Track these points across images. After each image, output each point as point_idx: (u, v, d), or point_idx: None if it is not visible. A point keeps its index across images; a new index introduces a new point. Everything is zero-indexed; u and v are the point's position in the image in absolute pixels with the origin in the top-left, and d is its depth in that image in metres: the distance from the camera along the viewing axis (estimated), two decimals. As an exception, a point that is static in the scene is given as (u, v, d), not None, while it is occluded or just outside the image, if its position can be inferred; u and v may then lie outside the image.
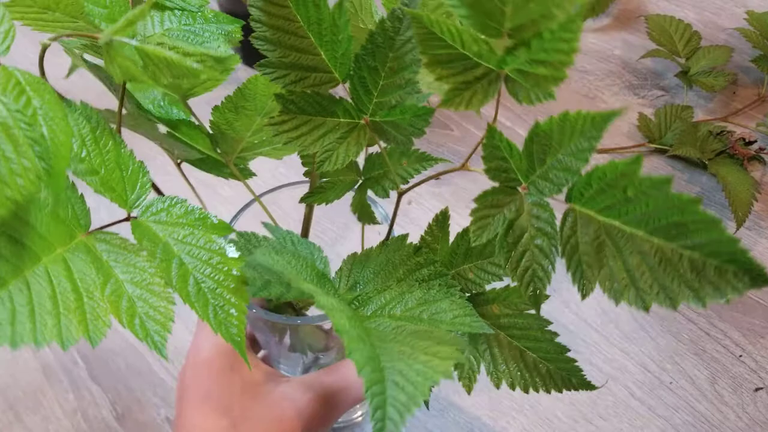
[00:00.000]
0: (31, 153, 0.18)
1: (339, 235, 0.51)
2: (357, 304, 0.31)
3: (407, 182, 0.35)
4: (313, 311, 0.41)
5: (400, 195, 0.33)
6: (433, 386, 0.24)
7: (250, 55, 0.76)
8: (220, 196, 0.63)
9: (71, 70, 0.33)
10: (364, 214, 0.37)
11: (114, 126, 0.27)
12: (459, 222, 0.60)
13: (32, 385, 0.52)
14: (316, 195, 0.36)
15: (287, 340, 0.41)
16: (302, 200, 0.36)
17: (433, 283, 0.32)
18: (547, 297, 0.27)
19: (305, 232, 0.39)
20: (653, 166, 0.68)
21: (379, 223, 0.37)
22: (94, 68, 0.30)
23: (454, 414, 0.50)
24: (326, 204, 0.36)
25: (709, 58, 0.74)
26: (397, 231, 0.34)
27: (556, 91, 0.21)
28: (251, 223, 0.37)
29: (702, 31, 0.76)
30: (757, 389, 0.51)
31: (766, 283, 0.19)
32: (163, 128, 0.32)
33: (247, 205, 0.38)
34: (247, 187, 0.37)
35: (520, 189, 0.25)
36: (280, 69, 0.26)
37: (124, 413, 0.50)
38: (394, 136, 0.26)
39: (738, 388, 0.51)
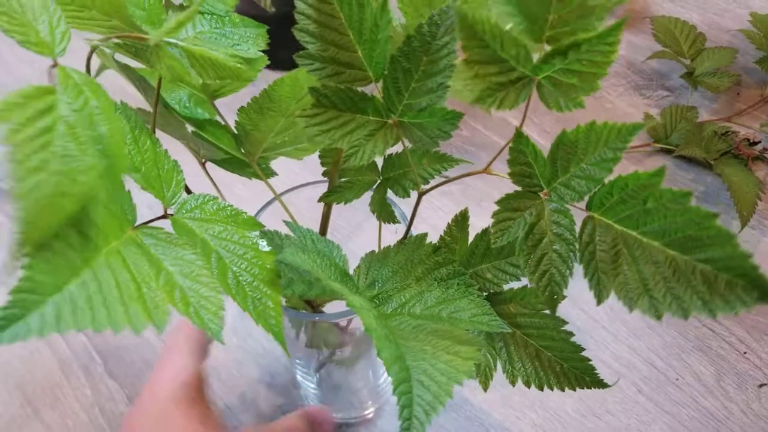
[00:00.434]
0: (93, 151, 0.19)
1: (351, 232, 0.52)
2: (377, 302, 0.32)
3: (427, 182, 0.35)
4: (329, 308, 0.42)
5: (421, 195, 0.33)
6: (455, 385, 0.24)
7: (271, 59, 0.77)
8: (235, 194, 0.63)
9: (99, 71, 0.33)
10: (384, 213, 0.37)
11: (149, 126, 0.28)
12: (470, 220, 0.60)
13: (50, 380, 0.53)
14: (335, 194, 0.36)
15: (303, 336, 0.42)
16: (321, 199, 0.37)
17: (452, 282, 0.32)
18: (564, 298, 0.28)
19: (323, 230, 0.40)
20: (659, 166, 0.69)
21: (398, 222, 0.38)
22: (124, 68, 0.31)
23: (466, 410, 0.51)
24: (345, 203, 0.37)
25: (714, 59, 0.75)
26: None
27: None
28: (268, 220, 0.38)
29: (706, 32, 0.76)
30: (761, 385, 0.52)
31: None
32: (189, 128, 0.33)
33: (268, 203, 0.39)
34: (269, 186, 0.38)
35: (541, 194, 0.26)
36: (319, 62, 0.27)
37: (140, 408, 0.51)
38: (420, 137, 0.27)
39: (743, 385, 0.52)
